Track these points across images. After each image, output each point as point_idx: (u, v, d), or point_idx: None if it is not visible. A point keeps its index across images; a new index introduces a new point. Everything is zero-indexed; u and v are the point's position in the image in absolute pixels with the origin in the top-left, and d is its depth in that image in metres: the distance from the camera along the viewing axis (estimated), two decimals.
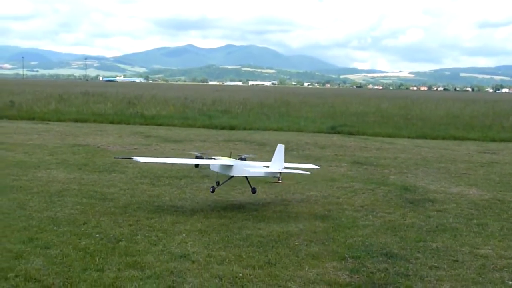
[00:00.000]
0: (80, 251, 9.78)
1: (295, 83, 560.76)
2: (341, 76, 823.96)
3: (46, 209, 12.76)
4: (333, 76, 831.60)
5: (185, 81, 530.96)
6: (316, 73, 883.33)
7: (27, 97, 57.61)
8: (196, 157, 14.00)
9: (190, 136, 30.55)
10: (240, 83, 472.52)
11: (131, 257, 9.56)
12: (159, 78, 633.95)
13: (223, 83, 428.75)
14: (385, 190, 16.47)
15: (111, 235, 10.80)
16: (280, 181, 12.97)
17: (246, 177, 13.72)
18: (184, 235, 11.03)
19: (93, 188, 15.27)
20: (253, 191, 13.88)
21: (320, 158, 22.85)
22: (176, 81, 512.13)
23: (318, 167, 16.54)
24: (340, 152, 25.42)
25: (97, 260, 9.36)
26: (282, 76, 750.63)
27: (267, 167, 13.18)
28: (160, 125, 37.85)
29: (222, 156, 14.40)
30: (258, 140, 28.88)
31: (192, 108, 50.47)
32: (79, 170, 18.25)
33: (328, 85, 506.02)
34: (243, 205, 13.88)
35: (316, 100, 76.41)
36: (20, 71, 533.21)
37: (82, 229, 11.17)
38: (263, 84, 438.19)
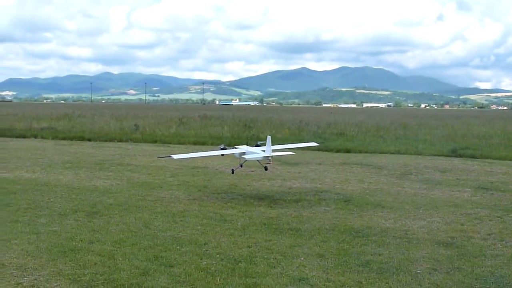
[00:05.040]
0: (201, 271, 10.05)
1: (411, 105, 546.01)
2: (461, 97, 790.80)
3: (169, 228, 13.29)
4: (453, 96, 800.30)
5: (299, 104, 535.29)
6: (434, 94, 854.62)
7: (150, 121, 60.71)
8: (221, 149, 17.69)
9: (306, 158, 30.55)
10: (354, 105, 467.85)
11: (251, 279, 9.66)
12: (273, 101, 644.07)
13: (337, 106, 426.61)
14: None
15: (231, 256, 11.00)
16: (270, 162, 17.28)
17: (258, 160, 17.36)
18: (302, 258, 10.99)
19: (213, 210, 15.70)
20: (265, 169, 18.23)
21: (441, 183, 21.92)
22: (290, 104, 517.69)
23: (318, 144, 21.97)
24: (462, 176, 24.22)
25: (218, 280, 9.56)
26: (398, 97, 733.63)
27: (264, 151, 16.88)
28: None
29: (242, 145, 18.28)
30: (374, 163, 28.28)
31: (307, 131, 50.53)
32: (199, 191, 18.88)
33: (447, 106, 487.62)
34: (362, 230, 13.58)
35: (435, 122, 73.65)
36: (143, 96, 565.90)
37: (203, 249, 11.49)
38: (377, 106, 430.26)
